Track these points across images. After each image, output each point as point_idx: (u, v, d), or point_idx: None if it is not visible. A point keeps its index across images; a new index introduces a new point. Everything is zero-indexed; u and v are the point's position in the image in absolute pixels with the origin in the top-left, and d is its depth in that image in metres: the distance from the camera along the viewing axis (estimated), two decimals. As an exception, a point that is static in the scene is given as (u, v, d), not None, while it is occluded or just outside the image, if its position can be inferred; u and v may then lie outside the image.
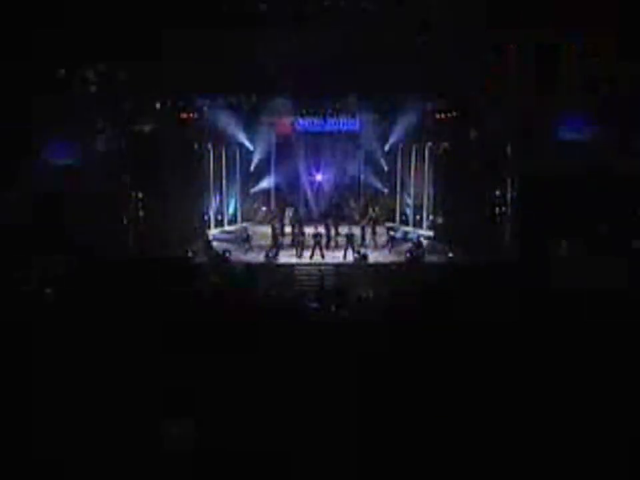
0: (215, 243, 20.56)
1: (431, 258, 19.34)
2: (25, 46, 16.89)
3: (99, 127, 18.69)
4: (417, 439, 7.89)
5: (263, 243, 20.77)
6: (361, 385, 8.99)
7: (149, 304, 12.79)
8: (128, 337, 10.68)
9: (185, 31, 17.83)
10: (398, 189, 23.14)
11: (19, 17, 16.48)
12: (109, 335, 10.73)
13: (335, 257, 19.53)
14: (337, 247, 20.25)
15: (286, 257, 19.58)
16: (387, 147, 23.27)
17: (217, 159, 22.54)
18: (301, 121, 22.18)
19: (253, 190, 23.62)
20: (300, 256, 19.52)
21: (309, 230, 20.41)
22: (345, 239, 19.71)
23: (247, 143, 23.21)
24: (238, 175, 23.23)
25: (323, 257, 19.34)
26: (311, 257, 19.34)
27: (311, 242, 19.59)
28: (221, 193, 22.71)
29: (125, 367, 9.45)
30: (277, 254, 19.33)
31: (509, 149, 18.68)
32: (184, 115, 20.42)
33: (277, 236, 20.29)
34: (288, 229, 21.28)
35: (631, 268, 14.52)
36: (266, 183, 23.68)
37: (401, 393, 8.83)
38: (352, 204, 23.45)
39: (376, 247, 20.57)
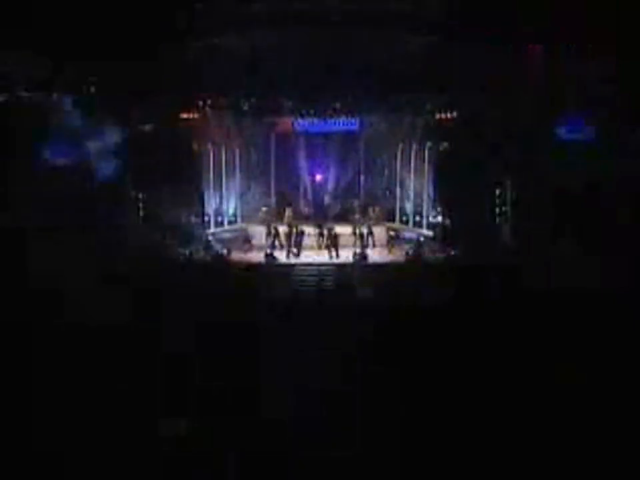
0: (214, 243, 20.60)
1: (430, 258, 19.37)
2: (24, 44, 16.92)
3: (99, 127, 18.73)
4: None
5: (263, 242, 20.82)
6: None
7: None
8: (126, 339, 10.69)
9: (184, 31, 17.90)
10: (398, 188, 23.10)
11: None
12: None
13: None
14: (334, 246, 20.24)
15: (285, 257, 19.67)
16: (386, 147, 23.22)
17: (217, 158, 22.51)
18: (300, 121, 22.14)
19: (252, 190, 23.57)
20: (298, 255, 19.66)
21: (308, 229, 20.50)
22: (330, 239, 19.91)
23: (247, 143, 23.16)
24: (238, 175, 23.19)
25: (298, 254, 19.65)
26: (298, 254, 19.57)
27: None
28: (220, 193, 22.68)
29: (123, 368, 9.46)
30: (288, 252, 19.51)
31: (509, 149, 18.68)
32: (184, 115, 20.41)
33: (291, 234, 20.26)
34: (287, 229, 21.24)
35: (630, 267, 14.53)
36: (266, 183, 23.64)
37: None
38: (351, 204, 23.39)
39: (374, 246, 20.56)
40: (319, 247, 20.28)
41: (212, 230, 22.05)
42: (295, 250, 19.88)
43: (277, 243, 20.47)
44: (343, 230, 20.63)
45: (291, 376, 9.31)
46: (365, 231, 20.54)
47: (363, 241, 20.10)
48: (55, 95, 18.64)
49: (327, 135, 22.81)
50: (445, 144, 20.89)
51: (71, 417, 8.24)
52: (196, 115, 20.73)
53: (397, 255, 19.86)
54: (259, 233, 21.29)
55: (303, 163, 23.49)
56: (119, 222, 18.75)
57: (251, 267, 18.79)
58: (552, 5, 16.94)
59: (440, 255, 19.49)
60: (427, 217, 22.02)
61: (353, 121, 22.15)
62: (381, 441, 7.94)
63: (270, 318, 12.21)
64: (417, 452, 7.66)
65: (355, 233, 20.51)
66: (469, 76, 18.48)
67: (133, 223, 19.47)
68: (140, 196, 19.79)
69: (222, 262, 19.07)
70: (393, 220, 22.94)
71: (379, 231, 21.06)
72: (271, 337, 10.86)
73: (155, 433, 7.93)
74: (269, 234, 20.65)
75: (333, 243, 19.89)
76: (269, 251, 19.54)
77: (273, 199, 23.57)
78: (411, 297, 14.81)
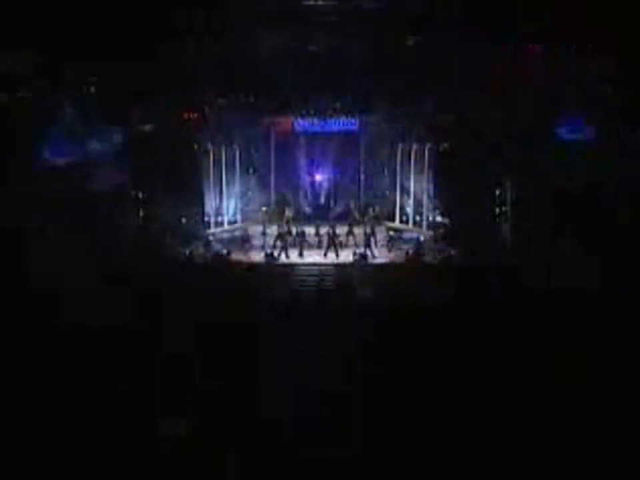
0: (214, 243, 20.61)
1: (430, 258, 19.38)
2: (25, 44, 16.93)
3: (99, 127, 18.74)
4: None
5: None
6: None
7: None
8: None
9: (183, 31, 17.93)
10: (398, 188, 23.08)
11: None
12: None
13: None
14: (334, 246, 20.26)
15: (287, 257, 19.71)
16: (386, 147, 23.21)
17: (217, 158, 22.51)
18: (300, 121, 22.13)
19: (252, 190, 23.58)
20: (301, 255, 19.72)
21: (308, 230, 20.55)
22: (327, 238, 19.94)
23: (247, 143, 23.16)
24: (238, 175, 23.19)
25: (301, 254, 19.70)
26: (300, 254, 19.66)
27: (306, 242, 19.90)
28: (220, 193, 22.68)
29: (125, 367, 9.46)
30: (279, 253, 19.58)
31: (509, 149, 18.68)
32: (184, 115, 20.42)
33: (283, 235, 20.41)
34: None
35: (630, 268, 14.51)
36: (265, 183, 23.63)
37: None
38: (351, 204, 23.42)
39: (376, 246, 20.54)
40: (319, 247, 20.30)
41: (212, 230, 22.06)
42: (298, 250, 19.94)
43: (278, 242, 20.48)
44: (343, 230, 20.63)
45: (291, 376, 9.31)
46: (368, 230, 20.50)
47: (365, 240, 20.06)
48: (55, 95, 18.63)
49: (327, 135, 22.80)
50: (445, 144, 20.88)
51: (70, 417, 8.24)
52: (196, 115, 20.73)
53: (397, 255, 19.86)
54: (259, 233, 21.28)
55: (302, 162, 23.47)
56: (119, 222, 18.77)
57: (251, 267, 18.79)
58: (552, 4, 16.94)
59: (440, 255, 19.49)
60: (427, 217, 22.01)
61: (353, 120, 22.14)
62: (381, 440, 7.93)
63: (270, 318, 12.21)
64: (417, 452, 7.66)
65: (350, 233, 20.48)
66: (469, 76, 18.48)
67: (133, 223, 19.48)
68: (140, 196, 19.80)
69: (222, 262, 19.06)
70: (393, 220, 22.94)
71: (379, 231, 21.04)
72: (271, 336, 10.86)
73: (155, 433, 7.93)
74: (263, 234, 20.69)
75: (333, 243, 19.90)
76: (268, 251, 19.56)
77: (273, 199, 23.56)
78: (411, 296, 14.81)
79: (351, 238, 20.42)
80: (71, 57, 17.74)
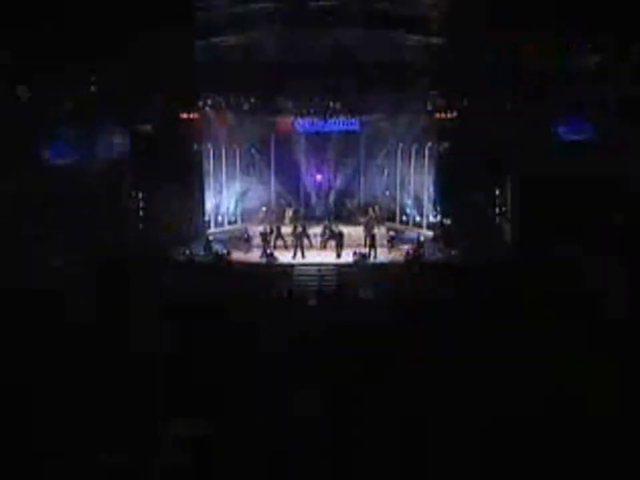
0: (214, 243, 20.61)
1: (430, 258, 19.38)
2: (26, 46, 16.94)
3: (100, 127, 18.77)
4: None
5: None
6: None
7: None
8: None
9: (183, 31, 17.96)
10: (398, 188, 23.10)
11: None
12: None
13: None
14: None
15: (285, 257, 19.69)
16: (386, 147, 23.22)
17: (217, 158, 22.52)
18: (301, 120, 22.13)
19: (252, 190, 23.59)
20: (301, 255, 19.65)
21: (312, 230, 20.60)
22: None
23: (247, 143, 23.18)
24: (238, 175, 23.21)
25: (303, 256, 19.57)
26: (294, 256, 19.51)
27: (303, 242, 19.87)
28: (220, 193, 22.69)
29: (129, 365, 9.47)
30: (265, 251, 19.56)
31: (509, 150, 18.68)
32: (184, 115, 20.43)
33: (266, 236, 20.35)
34: (288, 229, 21.22)
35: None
36: (266, 183, 23.65)
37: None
38: (352, 204, 23.45)
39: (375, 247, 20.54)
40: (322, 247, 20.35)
41: (212, 230, 22.07)
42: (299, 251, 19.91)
43: (280, 242, 20.51)
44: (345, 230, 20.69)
45: (291, 375, 9.31)
46: (370, 230, 20.50)
47: (369, 241, 20.06)
48: (56, 95, 18.64)
49: (326, 135, 22.81)
50: (445, 144, 20.88)
51: (70, 418, 8.24)
52: (196, 115, 20.74)
53: (397, 255, 19.86)
54: (259, 233, 21.30)
55: (303, 163, 23.49)
56: (119, 222, 18.79)
57: (251, 267, 18.80)
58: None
59: (440, 255, 19.49)
60: (427, 217, 22.02)
61: (353, 120, 22.14)
62: (381, 441, 7.94)
63: (270, 318, 12.21)
64: (416, 452, 7.66)
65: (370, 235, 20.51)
66: (469, 76, 18.49)
67: (133, 223, 19.50)
68: (140, 196, 19.81)
69: (222, 262, 19.07)
70: (393, 220, 22.95)
71: (379, 231, 21.06)
72: (271, 336, 10.86)
73: (155, 433, 7.93)
74: (262, 234, 20.71)
75: (338, 242, 19.96)
76: (269, 251, 19.56)
77: (273, 199, 23.58)
78: (411, 296, 14.81)
79: (354, 238, 20.45)
80: (72, 57, 17.74)
